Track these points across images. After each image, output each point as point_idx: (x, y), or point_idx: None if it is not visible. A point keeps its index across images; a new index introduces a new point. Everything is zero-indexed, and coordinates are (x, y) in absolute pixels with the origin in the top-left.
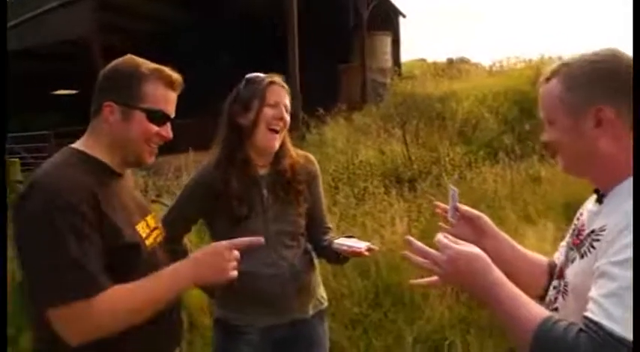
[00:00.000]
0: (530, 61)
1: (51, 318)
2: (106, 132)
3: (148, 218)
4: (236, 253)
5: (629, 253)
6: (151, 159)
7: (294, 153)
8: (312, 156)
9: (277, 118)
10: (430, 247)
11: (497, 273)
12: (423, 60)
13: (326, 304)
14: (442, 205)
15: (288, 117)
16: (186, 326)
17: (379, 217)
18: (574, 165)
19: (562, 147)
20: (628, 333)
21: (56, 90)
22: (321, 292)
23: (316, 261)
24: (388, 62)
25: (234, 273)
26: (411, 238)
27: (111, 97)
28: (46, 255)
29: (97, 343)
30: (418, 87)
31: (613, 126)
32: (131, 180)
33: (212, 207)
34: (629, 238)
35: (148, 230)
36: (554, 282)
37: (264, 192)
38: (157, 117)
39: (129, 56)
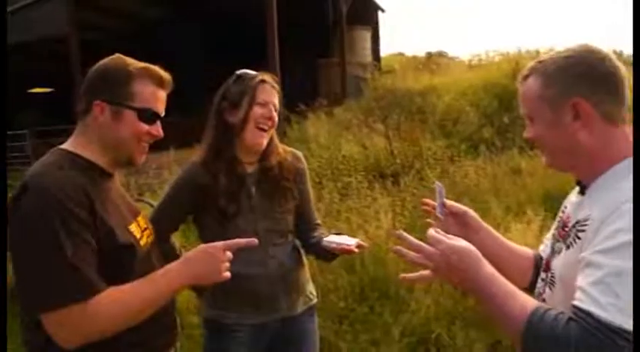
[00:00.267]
0: (508, 54)
1: (45, 321)
2: (96, 131)
3: (139, 218)
4: (229, 254)
5: (613, 242)
6: (141, 159)
7: (282, 150)
8: (299, 153)
9: (266, 117)
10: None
11: (489, 267)
12: (402, 54)
13: (315, 300)
14: (429, 202)
15: (276, 117)
16: None
17: (363, 212)
18: (557, 160)
19: (544, 143)
20: (616, 320)
21: (32, 88)
22: (311, 288)
23: (304, 258)
24: (368, 57)
25: (228, 274)
26: (403, 233)
27: (100, 97)
28: (41, 258)
29: (92, 345)
30: (398, 81)
31: (590, 119)
32: (118, 180)
33: (200, 205)
34: (612, 227)
35: (140, 230)
36: (542, 275)
37: (252, 189)
38: (147, 115)
39: (117, 55)
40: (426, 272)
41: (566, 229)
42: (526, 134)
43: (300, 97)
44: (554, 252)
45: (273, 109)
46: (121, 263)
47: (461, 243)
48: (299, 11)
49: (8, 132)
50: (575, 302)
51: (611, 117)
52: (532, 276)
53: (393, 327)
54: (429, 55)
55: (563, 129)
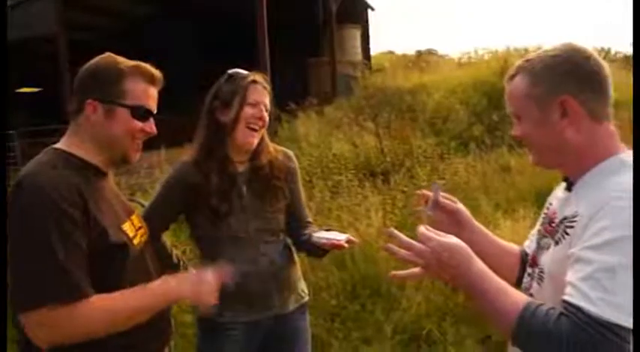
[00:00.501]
0: (497, 52)
1: (25, 320)
2: (88, 130)
3: (133, 217)
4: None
5: (600, 239)
6: (136, 157)
7: (273, 149)
8: (290, 152)
9: (257, 117)
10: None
11: (480, 264)
12: (392, 52)
13: (307, 298)
14: (426, 193)
15: (267, 117)
16: None
17: (354, 210)
18: (544, 157)
19: (532, 141)
20: (605, 314)
21: (19, 88)
22: (302, 286)
23: (296, 256)
24: (358, 55)
25: (214, 302)
26: (394, 230)
27: (92, 95)
28: (31, 257)
29: (80, 345)
30: (388, 80)
31: (578, 116)
32: (112, 180)
33: (191, 204)
34: (600, 223)
35: (134, 229)
36: (528, 270)
37: (243, 188)
38: (140, 113)
39: (107, 54)
40: (417, 269)
41: (553, 225)
42: (513, 132)
43: (290, 96)
44: (540, 248)
45: (263, 109)
46: (114, 262)
47: (451, 240)
48: (289, 10)
49: None
50: (566, 298)
51: (596, 115)
52: (519, 272)
53: (385, 325)
54: (419, 54)
55: (550, 127)
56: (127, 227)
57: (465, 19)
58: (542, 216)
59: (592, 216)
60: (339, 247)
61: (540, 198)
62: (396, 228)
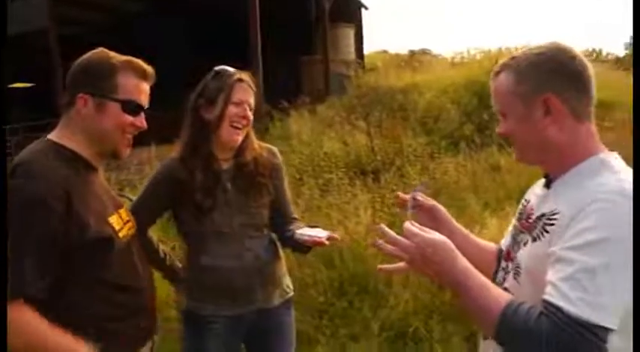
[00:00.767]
0: (489, 51)
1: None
2: (79, 124)
3: (121, 211)
4: None
5: (580, 240)
6: (126, 151)
7: (257, 146)
8: (275, 149)
9: (240, 117)
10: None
11: (463, 261)
12: (386, 52)
13: (292, 293)
14: (402, 195)
15: (251, 115)
16: None
17: (343, 208)
18: (527, 154)
19: (515, 138)
20: (584, 314)
21: (11, 83)
22: (287, 281)
23: (281, 251)
24: (351, 54)
25: None
26: (384, 226)
27: (84, 89)
28: (14, 246)
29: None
30: (381, 79)
31: (560, 115)
32: (102, 174)
33: (177, 199)
34: (582, 224)
35: (121, 222)
36: (503, 264)
37: (227, 185)
38: (130, 107)
39: (100, 49)
40: (403, 264)
41: (530, 221)
42: (498, 130)
43: (282, 94)
44: (517, 243)
45: (247, 109)
46: (98, 254)
47: (436, 236)
48: (281, 7)
49: None
50: (546, 297)
51: (578, 114)
52: (495, 268)
53: (372, 322)
54: (412, 53)
55: (533, 124)
56: (113, 220)
57: (459, 19)
58: (519, 211)
59: (574, 217)
60: (320, 244)
61: None
62: (385, 226)
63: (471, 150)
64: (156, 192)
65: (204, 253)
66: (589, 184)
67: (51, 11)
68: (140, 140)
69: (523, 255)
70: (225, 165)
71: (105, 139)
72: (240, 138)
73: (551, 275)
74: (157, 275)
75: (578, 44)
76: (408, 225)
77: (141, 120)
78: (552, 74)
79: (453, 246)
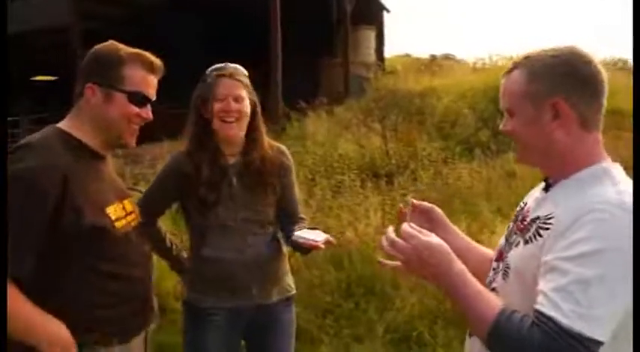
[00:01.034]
0: (511, 57)
1: None
2: (87, 113)
3: (125, 202)
4: None
5: (574, 251)
6: (132, 140)
7: (267, 144)
8: (284, 148)
9: (225, 111)
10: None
11: (460, 265)
12: (408, 55)
13: (293, 291)
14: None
15: (241, 107)
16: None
17: (354, 210)
18: (529, 156)
19: (520, 138)
20: (576, 326)
21: (34, 76)
22: (289, 281)
23: (285, 250)
24: (371, 57)
25: None
26: (389, 227)
27: (93, 80)
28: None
29: (68, 320)
30: (400, 82)
31: (569, 120)
32: (111, 164)
33: (184, 192)
34: (578, 234)
35: (123, 213)
36: (494, 264)
37: (233, 180)
38: (137, 98)
39: (110, 41)
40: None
41: (525, 223)
42: (502, 127)
43: (301, 95)
44: (509, 244)
45: (232, 102)
46: (91, 243)
47: (433, 239)
48: (303, 9)
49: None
50: (538, 307)
51: (586, 122)
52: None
53: (377, 324)
54: (433, 58)
55: (540, 127)
56: (111, 210)
57: (483, 23)
58: (516, 213)
59: (569, 226)
60: (315, 248)
61: None
62: (394, 228)
63: (486, 157)
64: (164, 184)
65: (207, 245)
66: (588, 192)
67: (73, 6)
68: (153, 136)
69: (514, 255)
70: (231, 160)
71: (111, 128)
72: (235, 132)
73: (544, 284)
74: (164, 267)
75: (603, 51)
76: (405, 226)
77: (147, 112)
78: (565, 78)
79: (449, 249)
